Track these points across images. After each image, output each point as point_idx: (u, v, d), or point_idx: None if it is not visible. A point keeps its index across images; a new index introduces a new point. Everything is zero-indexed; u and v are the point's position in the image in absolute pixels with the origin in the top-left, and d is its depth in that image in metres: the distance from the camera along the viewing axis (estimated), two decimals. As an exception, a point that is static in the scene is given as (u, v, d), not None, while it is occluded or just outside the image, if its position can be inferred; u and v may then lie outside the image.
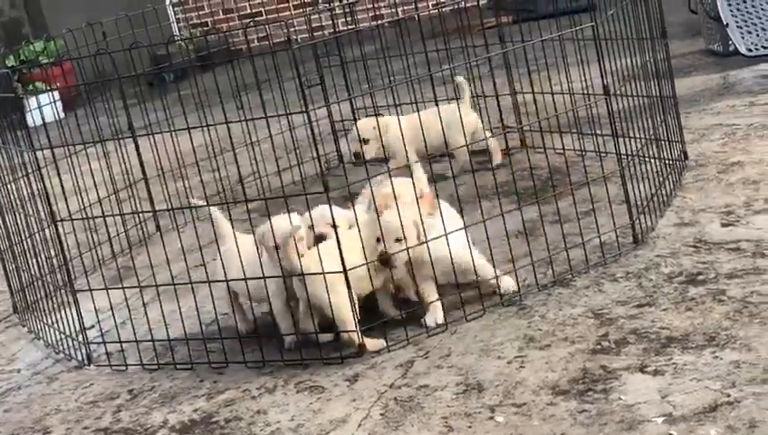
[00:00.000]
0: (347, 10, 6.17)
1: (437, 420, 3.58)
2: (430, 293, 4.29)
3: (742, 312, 3.85)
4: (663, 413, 3.32)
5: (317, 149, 4.23)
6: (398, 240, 4.16)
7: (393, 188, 4.31)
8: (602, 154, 5.67)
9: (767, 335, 3.65)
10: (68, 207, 5.16)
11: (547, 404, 3.52)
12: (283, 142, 6.56)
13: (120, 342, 4.60)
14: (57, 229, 4.60)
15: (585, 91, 5.74)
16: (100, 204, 5.82)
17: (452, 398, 3.70)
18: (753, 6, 7.50)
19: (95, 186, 5.95)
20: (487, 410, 3.57)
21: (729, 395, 3.34)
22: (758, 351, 3.56)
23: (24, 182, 4.91)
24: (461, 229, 4.30)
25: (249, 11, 13.39)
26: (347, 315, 4.10)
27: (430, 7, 5.25)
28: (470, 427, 3.49)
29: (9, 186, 5.03)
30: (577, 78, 5.77)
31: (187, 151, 6.19)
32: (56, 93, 7.65)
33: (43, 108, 4.97)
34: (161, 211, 5.99)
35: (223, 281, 4.41)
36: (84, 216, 5.22)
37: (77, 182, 5.58)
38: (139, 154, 6.19)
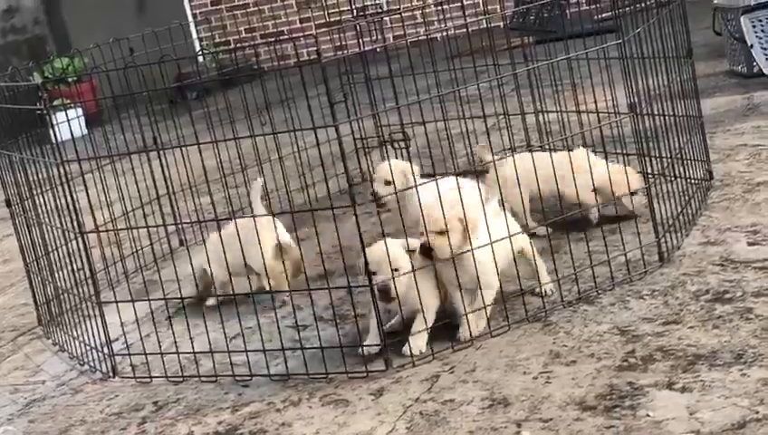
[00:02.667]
0: (372, 28, 6.22)
1: (463, 434, 3.58)
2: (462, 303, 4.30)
3: (769, 330, 3.86)
4: (691, 430, 3.32)
5: (345, 163, 4.26)
6: (440, 232, 4.17)
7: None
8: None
9: (795, 353, 3.65)
10: (94, 220, 5.20)
11: (574, 419, 3.53)
12: (307, 159, 6.59)
13: (146, 354, 4.62)
14: (84, 241, 4.63)
15: (611, 111, 5.75)
16: (126, 218, 5.86)
17: (478, 412, 3.71)
18: (778, 28, 7.51)
19: (120, 200, 6.00)
20: (513, 424, 3.58)
21: (758, 412, 3.34)
22: (786, 369, 3.56)
23: (52, 195, 4.95)
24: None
25: (273, 29, 13.49)
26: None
27: (454, 28, 5.27)
28: (496, 441, 3.50)
29: (36, 198, 5.07)
30: (602, 97, 5.78)
31: (211, 168, 6.23)
32: (80, 109, 7.71)
33: (68, 123, 5.01)
34: (187, 223, 6.00)
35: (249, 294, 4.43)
36: (110, 228, 5.25)
37: (103, 196, 5.62)
38: (163, 169, 6.22)
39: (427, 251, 4.18)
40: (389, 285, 4.14)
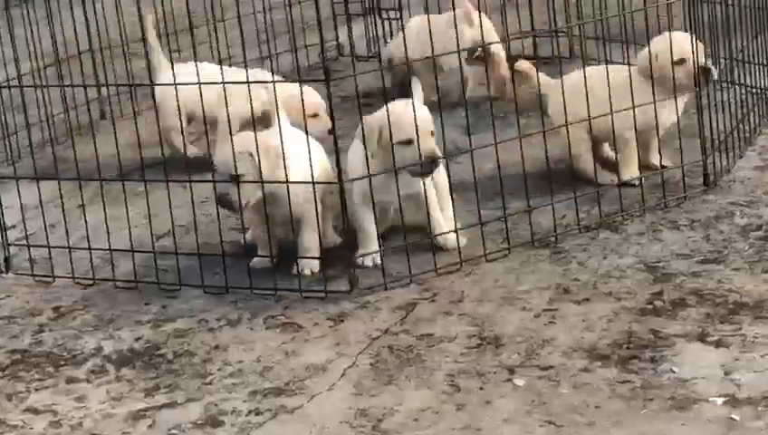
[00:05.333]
0: None
1: (441, 377, 3.61)
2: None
3: (832, 280, 3.90)
4: (724, 393, 3.35)
5: (320, 30, 4.22)
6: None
7: None
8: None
9: None
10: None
11: (580, 370, 3.55)
12: (270, 23, 6.53)
13: (49, 247, 4.60)
14: (-19, 99, 4.59)
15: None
16: (36, 76, 5.80)
17: (461, 352, 3.73)
18: None
19: (31, 56, 5.94)
20: (505, 370, 3.60)
21: (809, 378, 3.38)
22: None
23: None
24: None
25: None
26: None
27: None
28: (482, 389, 3.52)
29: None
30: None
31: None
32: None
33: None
34: (120, 85, 5.93)
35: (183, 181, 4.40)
36: (18, 84, 5.19)
37: (8, 50, 5.54)
38: (87, 19, 6.14)
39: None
40: (229, 192, 4.20)
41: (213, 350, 3.93)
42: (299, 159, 4.23)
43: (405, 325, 3.94)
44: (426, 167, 4.20)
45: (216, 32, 6.27)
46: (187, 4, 5.80)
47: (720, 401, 3.33)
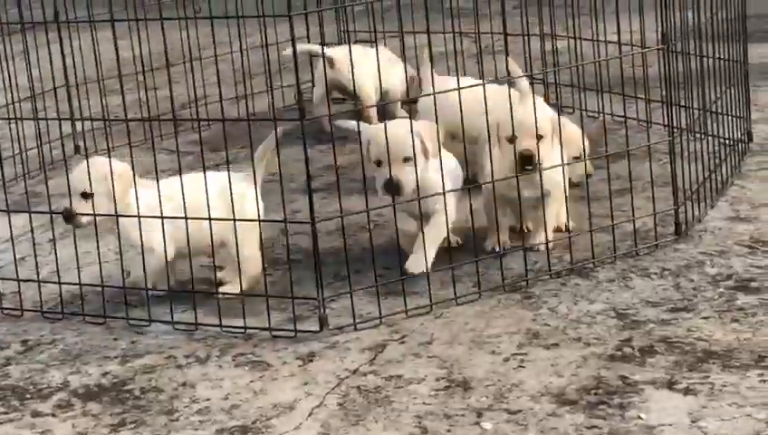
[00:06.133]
0: None
1: (409, 418, 3.60)
2: None
3: (801, 330, 3.92)
4: (691, 440, 3.37)
5: (297, 67, 4.24)
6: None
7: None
8: (648, 123, 5.68)
9: (830, 362, 3.71)
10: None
11: (548, 414, 3.56)
12: (248, 63, 6.55)
13: (18, 280, 4.61)
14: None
15: (635, 43, 5.75)
16: (10, 109, 5.80)
17: (430, 394, 3.73)
18: None
19: (6, 89, 5.94)
20: (473, 413, 3.60)
21: (776, 428, 3.40)
22: (816, 379, 3.62)
23: None
24: None
25: None
26: None
27: None
28: (449, 431, 3.52)
29: None
30: (627, 27, 5.79)
31: (126, 61, 6.17)
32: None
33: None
34: (88, 121, 5.95)
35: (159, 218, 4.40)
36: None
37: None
38: (63, 54, 6.16)
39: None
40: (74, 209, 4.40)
41: (181, 386, 3.92)
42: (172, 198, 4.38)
43: (374, 366, 3.94)
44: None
45: (192, 70, 6.33)
46: (164, 41, 5.82)
47: (687, 448, 3.35)
